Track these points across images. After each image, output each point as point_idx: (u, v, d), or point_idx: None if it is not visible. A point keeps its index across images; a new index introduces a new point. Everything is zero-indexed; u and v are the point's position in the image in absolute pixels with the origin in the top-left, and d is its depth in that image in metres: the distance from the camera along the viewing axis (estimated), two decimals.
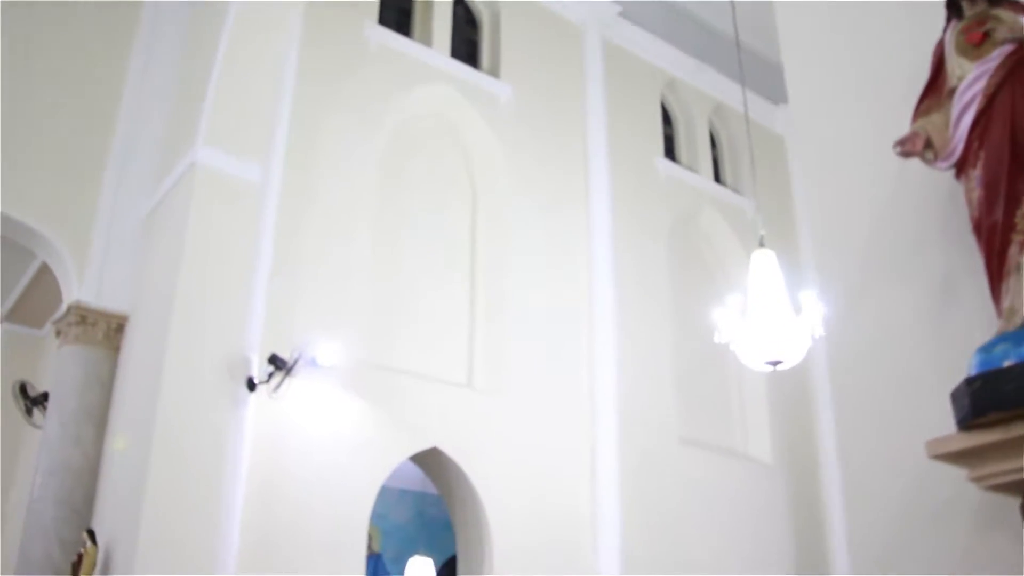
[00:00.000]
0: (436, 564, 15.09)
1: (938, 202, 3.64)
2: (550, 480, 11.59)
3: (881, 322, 3.91)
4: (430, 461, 11.01)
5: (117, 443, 9.54)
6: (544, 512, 11.38)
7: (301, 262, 10.36)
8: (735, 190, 15.63)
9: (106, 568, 8.98)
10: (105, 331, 10.34)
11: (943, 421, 3.39)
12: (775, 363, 8.76)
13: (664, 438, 12.82)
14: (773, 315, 8.76)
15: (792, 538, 13.91)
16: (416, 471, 13.23)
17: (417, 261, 11.71)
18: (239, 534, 8.97)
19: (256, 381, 9.27)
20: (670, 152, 15.24)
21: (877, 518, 4.05)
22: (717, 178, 15.72)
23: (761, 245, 9.24)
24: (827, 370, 4.38)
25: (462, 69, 12.86)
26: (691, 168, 15.23)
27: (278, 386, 9.26)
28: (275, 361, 9.22)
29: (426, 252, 11.83)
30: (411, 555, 15.10)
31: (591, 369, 12.48)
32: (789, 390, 14.73)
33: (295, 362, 9.23)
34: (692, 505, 12.73)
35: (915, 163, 3.59)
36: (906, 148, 3.59)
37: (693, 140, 15.60)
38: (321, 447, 9.89)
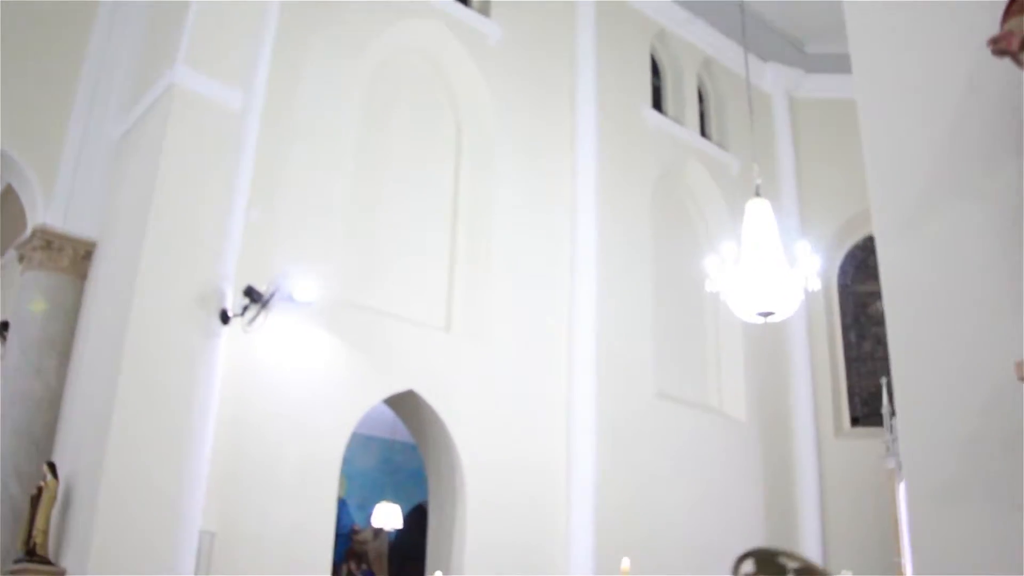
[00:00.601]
0: (402, 512, 14.91)
1: (1011, 117, 3.38)
2: (526, 428, 11.38)
3: (945, 242, 3.67)
4: (405, 404, 10.76)
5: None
6: (519, 460, 11.18)
7: (280, 194, 10.01)
8: (721, 146, 15.39)
9: (67, 503, 8.65)
10: (72, 257, 9.94)
11: (1014, 344, 3.14)
12: (767, 314, 8.55)
13: (641, 391, 12.66)
14: (766, 265, 8.54)
15: (762, 494, 13.90)
16: (383, 418, 13.01)
17: (398, 200, 11.38)
18: (207, 471, 8.66)
19: (230, 314, 8.94)
20: (657, 104, 14.96)
21: (935, 448, 3.83)
22: (703, 133, 15.47)
23: (757, 195, 9.01)
24: (883, 292, 4.08)
25: (452, 5, 12.46)
26: (678, 121, 14.96)
27: (253, 320, 8.94)
28: (251, 294, 8.89)
29: (408, 191, 11.50)
30: (376, 502, 14.93)
31: (570, 319, 12.26)
32: (765, 349, 14.64)
33: (271, 296, 8.90)
34: (666, 458, 12.63)
35: (985, 75, 3.33)
36: (1000, 46, 3.30)
37: (681, 93, 15.32)
38: (294, 385, 9.60)
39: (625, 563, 5.28)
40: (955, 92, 3.66)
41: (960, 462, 3.64)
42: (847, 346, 15.83)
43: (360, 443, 15.38)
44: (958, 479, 3.64)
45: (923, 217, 3.80)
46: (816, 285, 8.60)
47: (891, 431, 13.45)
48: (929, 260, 3.84)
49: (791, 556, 1.98)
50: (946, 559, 3.56)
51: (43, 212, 9.96)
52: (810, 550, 14.12)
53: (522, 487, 11.16)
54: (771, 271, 8.55)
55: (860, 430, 15.19)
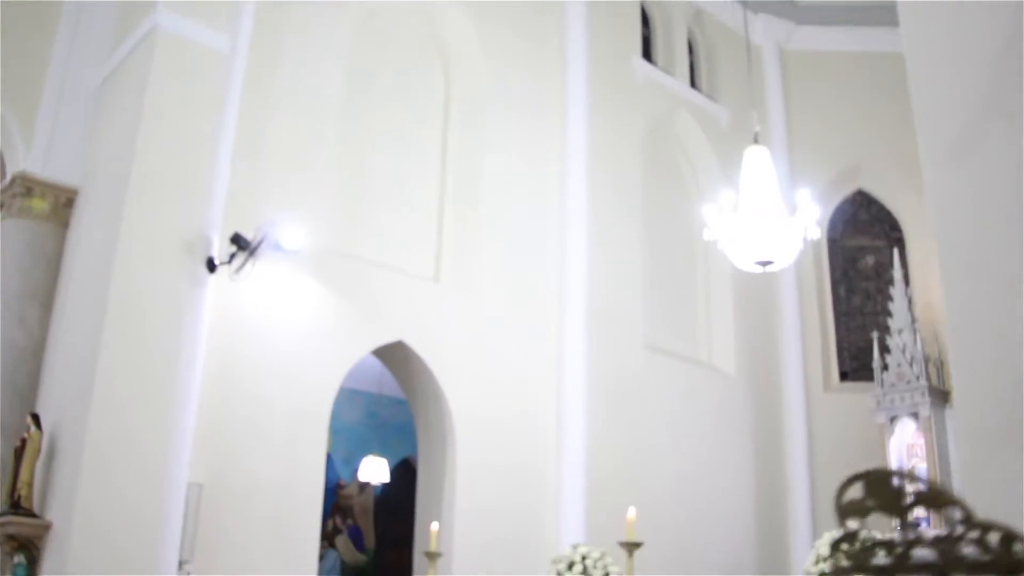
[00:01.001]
0: (388, 467, 14.82)
1: None
2: (516, 379, 11.28)
3: (994, 169, 3.51)
4: (394, 356, 10.62)
5: None
6: (509, 411, 11.09)
7: (266, 141, 9.77)
8: (711, 97, 15.21)
9: (51, 455, 8.48)
10: (53, 205, 9.70)
11: None
12: (765, 263, 8.42)
13: (631, 344, 12.55)
14: (765, 213, 8.39)
15: (751, 448, 13.89)
16: (369, 371, 12.88)
17: (387, 149, 11.16)
18: (194, 422, 8.50)
19: (217, 262, 8.74)
20: (647, 54, 14.73)
21: (986, 385, 3.70)
22: (693, 84, 15.27)
23: (755, 142, 8.85)
24: (933, 226, 3.90)
25: None
26: (667, 71, 14.75)
27: (240, 268, 8.74)
28: (238, 241, 8.68)
29: (396, 140, 11.28)
30: (361, 457, 14.83)
31: (561, 271, 12.12)
32: (754, 303, 14.57)
33: (259, 244, 8.70)
34: (656, 411, 12.56)
35: None
36: None
37: (671, 44, 15.09)
38: (282, 335, 9.44)
39: (631, 512, 5.16)
40: (1004, 11, 3.50)
41: (1013, 399, 3.51)
42: (836, 301, 15.77)
43: (346, 397, 15.21)
44: (1011, 417, 3.51)
45: (970, 142, 3.64)
46: (816, 234, 8.48)
47: (882, 385, 13.43)
48: (978, 187, 3.69)
49: (910, 477, 1.72)
50: (995, 500, 3.44)
51: (23, 159, 9.71)
52: (799, 504, 14.14)
53: (512, 438, 11.06)
54: (770, 219, 8.41)
55: (849, 385, 15.18)
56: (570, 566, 7.60)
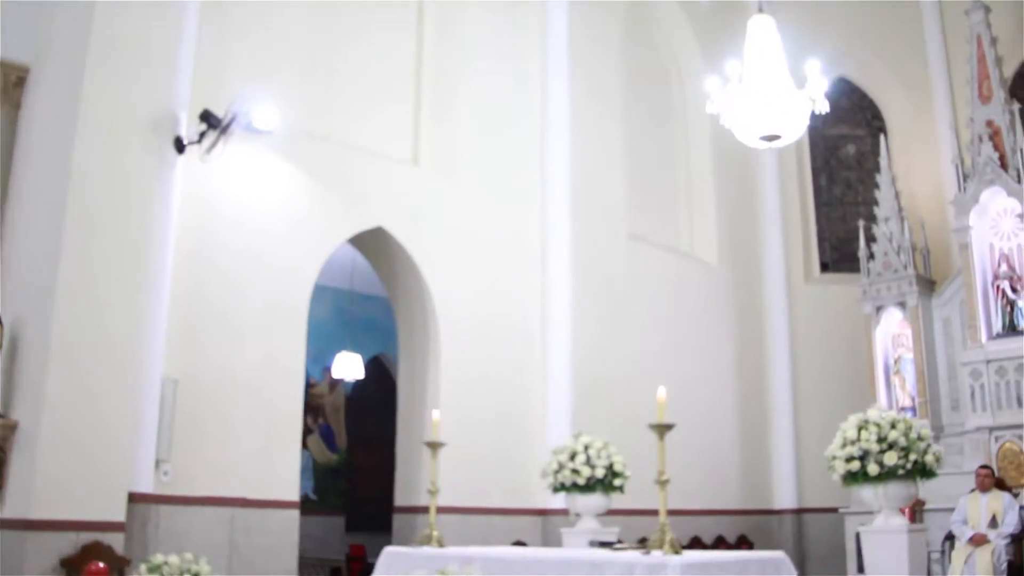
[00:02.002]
0: None
1: None
2: (499, 269, 10.87)
3: None
4: (373, 243, 10.13)
5: None
6: (493, 302, 10.70)
7: (235, 11, 9.05)
8: None
9: (13, 351, 7.89)
10: (2, 85, 8.93)
11: None
12: (771, 138, 7.94)
13: (614, 232, 12.17)
14: (771, 85, 7.88)
15: (734, 339, 13.68)
16: (340, 266, 12.41)
17: (361, 27, 10.47)
18: (167, 313, 7.97)
19: (185, 141, 8.12)
20: None
21: None
22: None
23: (760, 11, 8.30)
24: None
25: None
26: None
27: (211, 147, 8.13)
28: (208, 118, 8.06)
29: (371, 17, 10.57)
30: (330, 355, 14.40)
31: (543, 159, 11.64)
32: (736, 193, 14.25)
33: (230, 121, 8.07)
34: (640, 302, 12.27)
35: None
36: None
37: None
38: (257, 221, 8.90)
39: (661, 392, 4.79)
40: None
41: None
42: (817, 191, 15.47)
43: (314, 293, 14.78)
44: None
45: None
46: (824, 107, 7.99)
47: (868, 275, 13.17)
48: None
49: None
50: None
51: None
52: (781, 395, 13.99)
53: (497, 330, 10.70)
54: (776, 91, 7.91)
55: (829, 276, 14.96)
56: (572, 456, 7.27)
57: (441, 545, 6.09)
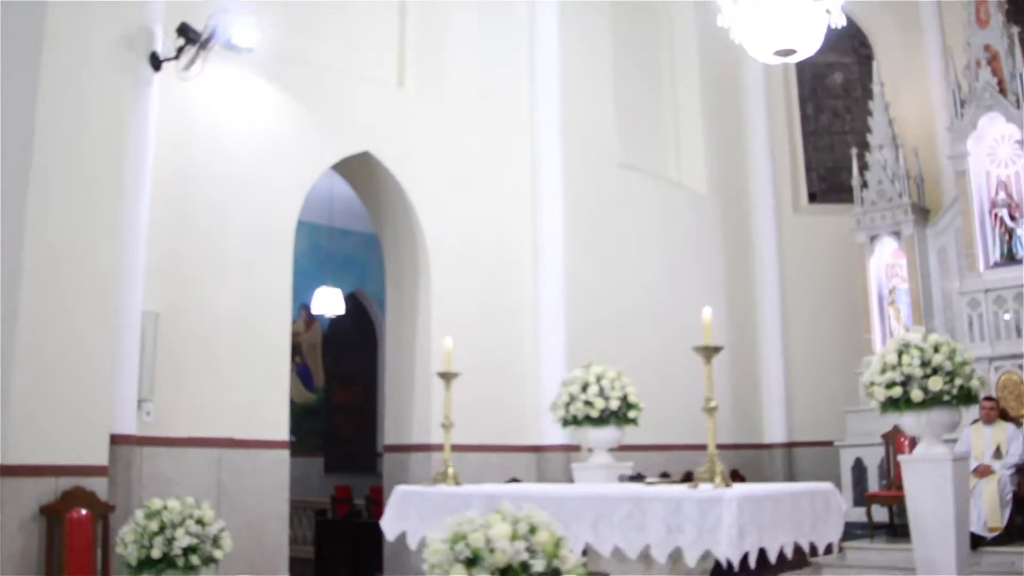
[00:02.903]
0: None
1: None
2: (490, 197, 10.43)
3: None
4: (359, 169, 9.61)
5: None
6: (484, 230, 10.29)
7: None
8: None
9: None
10: None
11: None
12: (786, 52, 7.47)
13: (605, 161, 11.75)
14: None
15: (723, 266, 13.42)
16: (313, 200, 11.83)
17: None
18: (145, 242, 7.43)
19: (162, 57, 7.53)
20: None
21: None
22: None
23: None
24: None
25: None
26: None
27: (189, 64, 7.54)
28: (185, 33, 7.47)
29: None
30: (306, 292, 13.89)
31: (532, 85, 11.14)
32: (723, 122, 13.85)
33: (210, 36, 7.48)
34: (630, 232, 11.92)
35: None
36: None
37: None
38: (239, 143, 8.36)
39: (707, 313, 4.42)
40: None
41: None
42: (804, 120, 15.08)
43: None
44: None
45: None
46: (841, 20, 7.52)
47: (861, 204, 12.85)
48: None
49: None
50: None
51: None
52: (770, 328, 13.73)
53: (487, 262, 10.29)
54: (791, 3, 7.43)
55: (817, 207, 14.63)
56: (584, 387, 6.89)
57: (458, 483, 5.69)
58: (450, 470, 5.71)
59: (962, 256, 12.13)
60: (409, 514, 5.45)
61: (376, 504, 10.84)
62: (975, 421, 10.07)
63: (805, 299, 13.88)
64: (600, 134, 11.75)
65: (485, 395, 9.78)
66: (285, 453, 8.45)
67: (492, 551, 3.02)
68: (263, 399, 8.30)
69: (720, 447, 12.44)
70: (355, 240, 15.08)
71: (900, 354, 5.81)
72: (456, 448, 9.48)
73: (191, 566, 4.84)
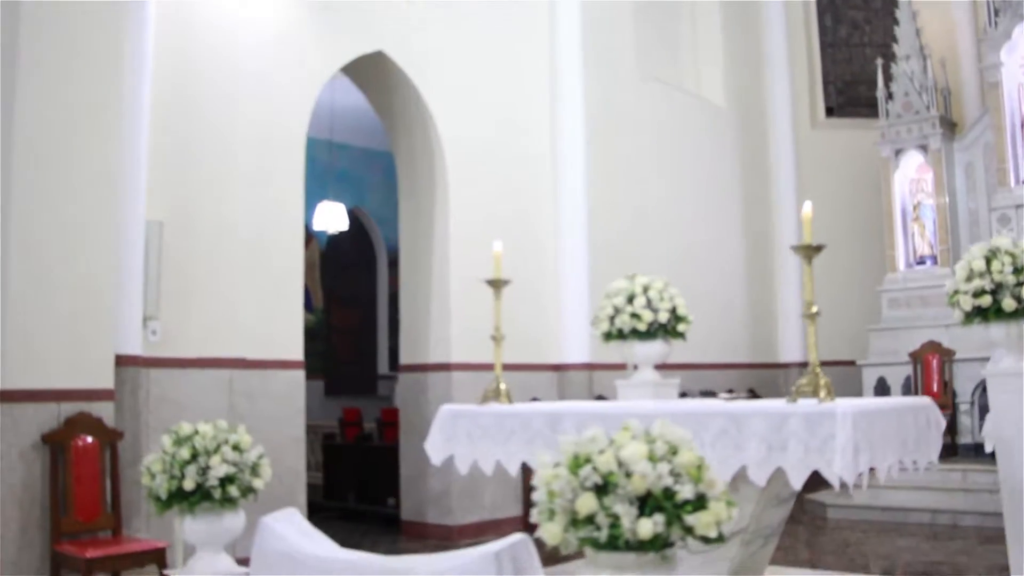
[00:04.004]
0: None
1: None
2: (509, 103, 9.86)
3: None
4: (371, 72, 8.97)
5: None
6: (502, 144, 9.71)
7: None
8: None
9: None
10: None
11: None
12: None
13: (625, 73, 11.14)
14: None
15: (740, 181, 12.92)
16: (317, 114, 11.23)
17: None
18: (146, 144, 6.82)
19: None
20: None
21: None
22: None
23: None
24: None
25: None
26: None
27: None
28: None
29: None
30: (305, 208, 13.25)
31: None
32: (742, 33, 13.24)
33: None
34: (649, 144, 11.42)
35: None
36: None
37: None
38: (247, 41, 7.71)
39: (807, 208, 3.93)
40: None
41: None
42: (822, 31, 14.43)
43: None
44: None
45: None
46: None
47: (887, 117, 12.31)
48: None
49: None
50: None
51: None
52: (787, 244, 13.25)
53: (507, 170, 9.74)
54: None
55: (835, 121, 14.07)
56: (630, 299, 6.36)
57: (510, 401, 5.20)
58: (502, 386, 5.20)
59: (991, 171, 11.65)
60: (458, 436, 4.96)
61: (389, 426, 10.38)
62: None
63: (823, 215, 13.19)
64: (620, 45, 11.15)
65: (504, 313, 9.27)
66: (300, 374, 7.95)
67: (629, 476, 2.52)
68: (276, 316, 7.78)
69: (733, 366, 12.22)
70: (353, 155, 14.45)
71: (989, 260, 5.34)
72: (473, 367, 9.11)
73: (229, 498, 4.31)
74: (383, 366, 15.37)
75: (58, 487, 5.97)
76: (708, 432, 4.04)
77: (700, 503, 2.54)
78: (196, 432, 4.39)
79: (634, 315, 6.33)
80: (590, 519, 2.52)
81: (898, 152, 12.23)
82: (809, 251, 4.10)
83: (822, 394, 3.99)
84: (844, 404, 3.84)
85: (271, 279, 7.76)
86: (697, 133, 12.18)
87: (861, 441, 3.74)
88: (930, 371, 10.83)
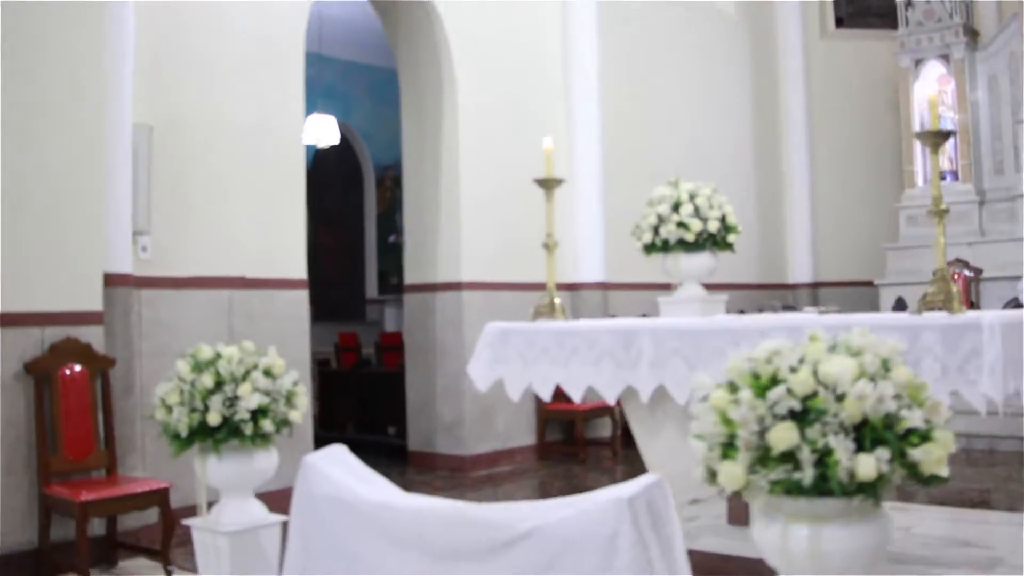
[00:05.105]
0: None
1: None
2: (521, 13, 9.14)
3: None
4: None
5: None
6: (514, 52, 9.06)
7: None
8: None
9: None
10: None
11: None
12: None
13: None
14: None
15: (750, 89, 12.27)
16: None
17: None
18: (133, 40, 6.10)
19: None
20: None
21: None
22: None
23: None
24: None
25: None
26: None
27: None
28: None
29: None
30: None
31: None
32: None
33: None
34: (663, 58, 10.74)
35: None
36: None
37: None
38: None
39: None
40: None
41: None
42: None
43: None
44: None
45: None
46: None
47: (906, 25, 11.68)
48: None
49: None
50: None
51: None
52: (796, 160, 12.72)
53: (519, 79, 9.07)
54: None
55: (845, 31, 13.39)
56: (676, 207, 5.76)
57: (566, 318, 4.61)
58: (556, 301, 4.60)
59: (1017, 83, 11.07)
60: (509, 357, 4.36)
61: (389, 351, 9.80)
62: None
63: (834, 131, 12.81)
64: None
65: (516, 230, 8.69)
66: (304, 294, 7.32)
67: (841, 399, 1.94)
68: (277, 231, 7.12)
69: (741, 287, 11.71)
70: (339, 68, 13.63)
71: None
72: (485, 286, 8.53)
73: (262, 434, 3.65)
74: (372, 290, 14.74)
75: (45, 422, 5.35)
76: None
77: (927, 433, 1.97)
78: (219, 356, 3.74)
79: (681, 224, 5.72)
80: (787, 456, 1.95)
81: (918, 62, 11.62)
82: (935, 138, 3.50)
83: (955, 305, 3.44)
84: (990, 315, 3.29)
85: (272, 191, 7.08)
86: (707, 44, 11.53)
87: (1012, 358, 3.20)
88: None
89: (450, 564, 2.56)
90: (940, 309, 3.46)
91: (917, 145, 11.65)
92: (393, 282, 14.56)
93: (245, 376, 3.64)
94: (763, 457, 1.96)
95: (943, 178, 11.54)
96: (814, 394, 1.96)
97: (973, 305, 10.28)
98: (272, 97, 7.11)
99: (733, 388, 2.06)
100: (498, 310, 8.47)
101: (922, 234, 11.27)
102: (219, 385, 3.61)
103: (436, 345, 8.49)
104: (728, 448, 2.01)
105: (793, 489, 1.94)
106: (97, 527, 5.50)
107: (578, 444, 8.72)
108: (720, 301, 6.15)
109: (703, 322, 4.00)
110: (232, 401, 3.60)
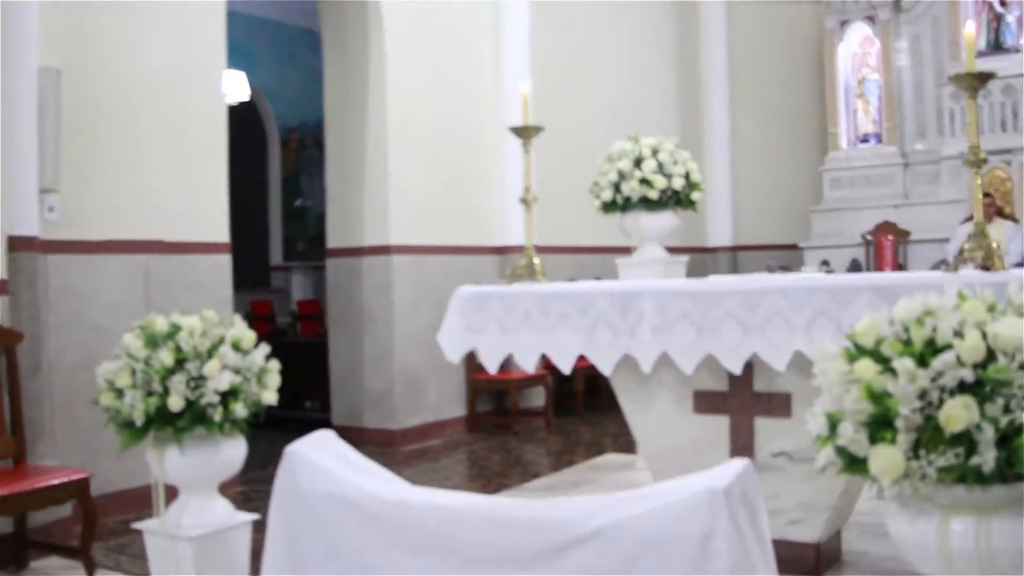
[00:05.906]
0: None
1: None
2: None
3: None
4: None
5: None
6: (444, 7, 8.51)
7: None
8: None
9: None
10: None
11: None
12: None
13: None
14: None
15: (672, 52, 12.11)
16: None
17: None
18: None
19: None
20: None
21: None
22: None
23: None
24: None
25: None
26: None
27: None
28: None
29: None
30: None
31: None
32: None
33: None
34: (587, 14, 10.34)
35: None
36: None
37: None
38: None
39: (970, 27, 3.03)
40: None
41: None
42: None
43: None
44: None
45: None
46: None
47: None
48: None
49: None
50: None
51: None
52: (716, 121, 12.53)
53: (448, 38, 8.58)
54: None
55: None
56: (637, 162, 5.42)
57: (545, 280, 4.21)
58: (536, 261, 4.19)
59: (941, 45, 11.05)
60: (485, 325, 3.94)
61: (306, 320, 9.25)
62: (967, 219, 9.21)
63: (756, 93, 12.63)
64: None
65: (444, 193, 8.29)
66: (226, 259, 6.79)
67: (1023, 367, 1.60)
68: (198, 190, 6.55)
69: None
70: (241, 23, 12.86)
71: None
72: (414, 250, 8.09)
73: (232, 419, 3.15)
74: (276, 256, 14.08)
75: None
76: (847, 311, 3.17)
77: None
78: (177, 327, 3.20)
79: (644, 181, 5.40)
80: (959, 438, 1.60)
81: (843, 23, 11.52)
82: (974, 81, 3.20)
83: (995, 262, 3.16)
84: None
85: (191, 147, 6.49)
86: (632, 2, 11.20)
87: None
88: (883, 252, 10.32)
89: (485, 572, 2.17)
90: (979, 267, 3.18)
91: (841, 107, 11.58)
92: (300, 248, 13.93)
93: (211, 351, 3.12)
94: (929, 439, 1.61)
95: (865, 140, 11.49)
96: (986, 362, 1.62)
97: (901, 268, 10.27)
98: (193, 45, 6.50)
99: (879, 357, 1.69)
100: (430, 275, 8.07)
101: (846, 196, 11.21)
102: (180, 363, 3.09)
103: (363, 312, 8.02)
104: (880, 429, 1.65)
105: (974, 476, 1.59)
106: (2, 524, 4.89)
107: (511, 415, 8.37)
108: (681, 263, 5.87)
109: (712, 282, 3.65)
110: (198, 382, 3.08)
